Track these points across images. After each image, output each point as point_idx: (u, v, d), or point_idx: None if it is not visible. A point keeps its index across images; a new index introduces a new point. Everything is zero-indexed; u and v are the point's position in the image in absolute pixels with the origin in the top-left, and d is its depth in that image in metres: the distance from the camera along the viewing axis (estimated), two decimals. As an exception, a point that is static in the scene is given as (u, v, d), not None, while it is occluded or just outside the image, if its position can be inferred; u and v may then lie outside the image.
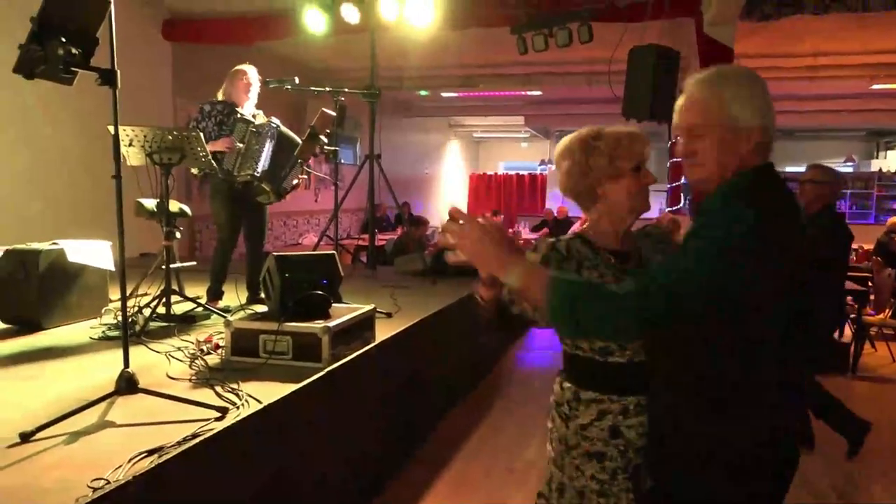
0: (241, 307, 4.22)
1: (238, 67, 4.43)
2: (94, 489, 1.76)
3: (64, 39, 2.03)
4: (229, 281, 4.39)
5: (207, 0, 6.95)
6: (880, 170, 15.57)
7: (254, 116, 4.42)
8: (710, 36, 5.86)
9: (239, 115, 4.29)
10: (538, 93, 11.80)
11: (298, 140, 4.51)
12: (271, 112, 4.63)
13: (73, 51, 2.05)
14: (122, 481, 1.78)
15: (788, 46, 8.06)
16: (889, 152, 18.16)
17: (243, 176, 4.20)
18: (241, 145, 4.21)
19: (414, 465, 3.77)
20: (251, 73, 4.41)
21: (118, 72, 2.20)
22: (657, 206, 15.59)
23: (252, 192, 4.34)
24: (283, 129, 4.43)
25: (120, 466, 1.90)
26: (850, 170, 15.98)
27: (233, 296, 4.33)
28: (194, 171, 4.26)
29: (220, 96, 4.40)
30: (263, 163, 4.24)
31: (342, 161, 9.83)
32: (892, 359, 6.33)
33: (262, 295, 3.65)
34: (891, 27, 7.08)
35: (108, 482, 1.79)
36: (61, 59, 2.02)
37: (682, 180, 13.90)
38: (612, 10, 5.95)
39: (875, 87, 10.00)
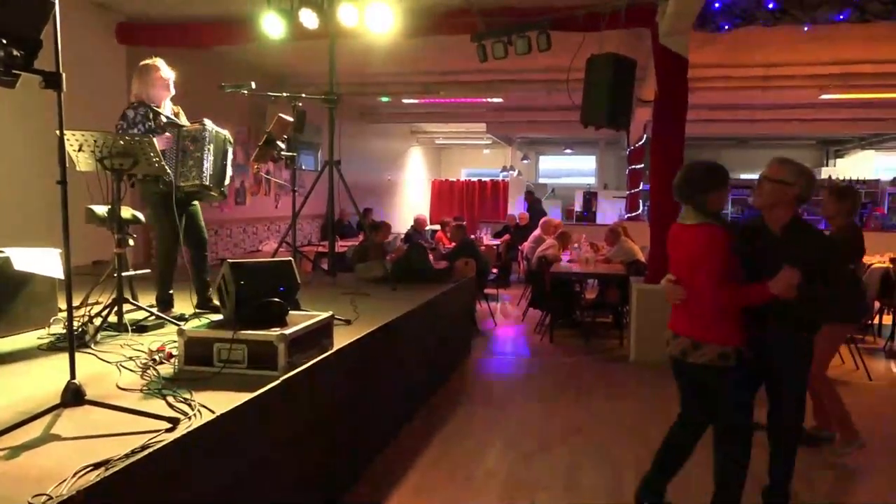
0: (196, 315, 4.14)
1: (148, 62, 4.12)
2: (36, 505, 1.70)
3: (4, 41, 1.97)
4: (183, 289, 4.28)
5: (164, 4, 6.82)
6: (830, 177, 16.05)
7: (175, 115, 4.20)
8: (666, 46, 5.98)
9: (164, 119, 4.06)
10: (499, 100, 11.89)
11: (228, 135, 4.31)
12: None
13: (15, 53, 1.98)
14: (65, 496, 1.73)
15: (741, 57, 8.28)
16: (839, 160, 18.77)
17: (189, 186, 4.01)
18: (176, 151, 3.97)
19: (373, 473, 3.74)
20: (163, 66, 4.12)
21: (63, 75, 2.15)
22: (616, 213, 15.83)
23: (193, 198, 4.20)
24: (217, 129, 4.20)
25: (64, 481, 1.84)
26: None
27: (186, 304, 4.24)
28: (139, 175, 3.67)
29: (132, 98, 4.11)
30: (208, 168, 4.06)
31: (303, 167, 9.76)
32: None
33: (217, 302, 3.58)
34: (839, 39, 7.33)
35: (51, 497, 1.74)
36: (1, 61, 1.96)
37: (641, 187, 14.16)
38: (570, 20, 6.04)
39: (825, 97, 10.33)
